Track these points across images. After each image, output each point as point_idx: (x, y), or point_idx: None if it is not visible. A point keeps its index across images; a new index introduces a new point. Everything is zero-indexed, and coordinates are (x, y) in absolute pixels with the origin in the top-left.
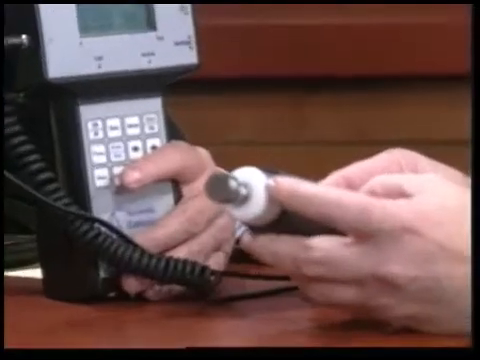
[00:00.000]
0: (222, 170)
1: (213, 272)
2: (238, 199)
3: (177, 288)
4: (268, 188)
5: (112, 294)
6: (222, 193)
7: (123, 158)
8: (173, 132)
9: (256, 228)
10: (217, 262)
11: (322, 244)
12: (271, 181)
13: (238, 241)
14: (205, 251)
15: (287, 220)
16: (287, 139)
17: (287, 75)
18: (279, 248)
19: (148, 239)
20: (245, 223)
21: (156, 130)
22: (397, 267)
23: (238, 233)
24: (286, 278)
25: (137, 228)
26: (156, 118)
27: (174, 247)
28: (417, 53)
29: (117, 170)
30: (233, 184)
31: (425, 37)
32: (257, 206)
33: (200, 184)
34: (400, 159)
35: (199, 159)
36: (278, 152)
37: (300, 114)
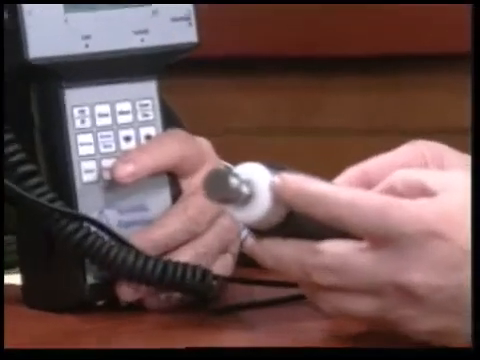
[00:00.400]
0: (224, 163)
1: (216, 277)
2: (240, 199)
3: (176, 295)
4: (273, 187)
5: (101, 302)
6: (222, 192)
7: (113, 149)
8: (170, 120)
9: (260, 231)
10: (224, 265)
11: (334, 249)
12: (276, 179)
13: (242, 243)
14: (211, 253)
15: (294, 223)
16: (298, 127)
17: (298, 55)
18: (285, 252)
19: (145, 240)
20: (248, 226)
21: (151, 117)
22: (418, 275)
23: (243, 234)
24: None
25: (129, 228)
26: (150, 104)
27: (174, 249)
28: (449, 31)
29: (107, 163)
30: (234, 182)
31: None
32: (261, 207)
33: (200, 178)
34: (425, 152)
35: (199, 150)
36: (287, 142)
37: (313, 99)
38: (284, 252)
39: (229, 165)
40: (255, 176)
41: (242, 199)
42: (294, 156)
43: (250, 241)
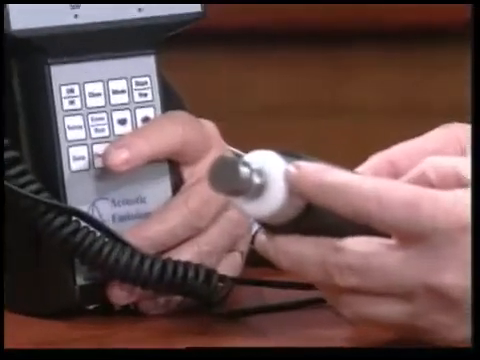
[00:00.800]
0: (233, 150)
1: (222, 278)
2: (251, 190)
3: (176, 299)
4: (288, 176)
5: (92, 307)
6: (230, 182)
7: (106, 133)
8: (170, 100)
9: (273, 227)
10: (232, 265)
11: (358, 247)
12: (292, 168)
13: (253, 239)
14: (217, 251)
15: (312, 217)
16: (318, 107)
17: (318, 24)
18: (302, 250)
19: (142, 236)
20: (259, 221)
21: (149, 97)
22: (452, 276)
23: (253, 229)
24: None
25: (124, 222)
26: (149, 82)
27: (175, 246)
28: None
29: (99, 148)
30: (245, 171)
31: None
32: (274, 199)
33: (205, 166)
34: (460, 136)
35: (204, 134)
36: (305, 125)
37: (334, 75)
38: (301, 250)
39: (238, 152)
40: (268, 165)
41: (253, 190)
42: (312, 140)
43: (262, 237)
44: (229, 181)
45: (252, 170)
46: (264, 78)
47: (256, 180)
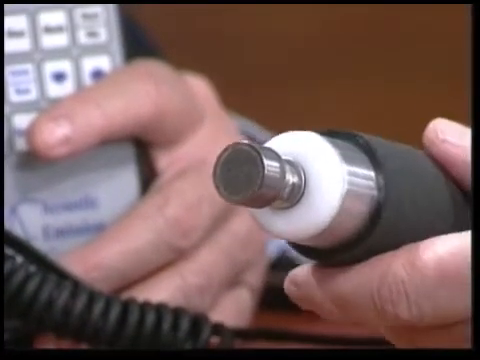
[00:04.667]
0: (245, 125)
1: (218, 329)
2: (283, 196)
3: None
4: (340, 170)
5: None
6: (251, 186)
7: (34, 96)
8: (139, 45)
9: (319, 254)
10: (236, 307)
11: (450, 253)
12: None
13: (274, 265)
14: (212, 286)
15: (383, 237)
16: (374, 57)
17: None
18: (359, 280)
19: (90, 264)
20: (295, 244)
21: (102, 38)
22: None
23: (273, 249)
24: (377, 341)
25: (63, 240)
26: (102, 15)
27: (144, 280)
28: None
29: (22, 121)
30: (272, 167)
31: None
32: (322, 210)
33: (192, 149)
34: None
35: (191, 98)
36: (357, 84)
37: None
38: (359, 281)
39: (250, 126)
40: (310, 155)
41: (286, 197)
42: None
43: (300, 274)
44: (248, 184)
45: (284, 164)
46: (290, 12)
47: (290, 180)
